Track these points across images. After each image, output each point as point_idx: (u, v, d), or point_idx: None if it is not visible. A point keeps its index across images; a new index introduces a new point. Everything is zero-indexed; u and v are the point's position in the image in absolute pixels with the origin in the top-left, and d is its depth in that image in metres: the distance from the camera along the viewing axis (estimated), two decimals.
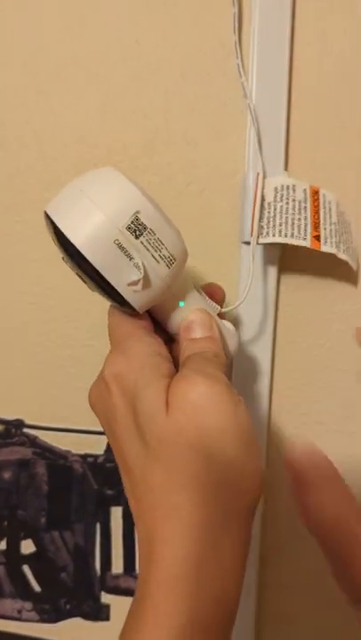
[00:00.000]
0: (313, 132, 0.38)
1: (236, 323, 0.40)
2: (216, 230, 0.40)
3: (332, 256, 0.37)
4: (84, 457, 0.43)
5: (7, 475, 0.44)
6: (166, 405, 0.25)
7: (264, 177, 0.37)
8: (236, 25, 0.37)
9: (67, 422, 0.43)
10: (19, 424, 0.43)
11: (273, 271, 0.39)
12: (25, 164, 0.40)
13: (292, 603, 0.45)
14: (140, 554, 0.25)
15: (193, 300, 0.30)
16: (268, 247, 0.38)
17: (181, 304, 0.30)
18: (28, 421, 0.43)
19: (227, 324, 0.33)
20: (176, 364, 0.29)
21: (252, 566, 0.42)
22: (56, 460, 0.43)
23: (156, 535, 0.24)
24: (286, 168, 0.38)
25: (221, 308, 0.33)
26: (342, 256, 0.37)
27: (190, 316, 0.30)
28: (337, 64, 0.38)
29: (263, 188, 0.37)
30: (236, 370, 0.40)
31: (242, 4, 0.37)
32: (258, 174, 0.37)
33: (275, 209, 0.37)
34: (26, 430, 0.43)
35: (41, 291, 0.42)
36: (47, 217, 0.27)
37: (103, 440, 0.43)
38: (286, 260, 0.40)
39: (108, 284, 0.26)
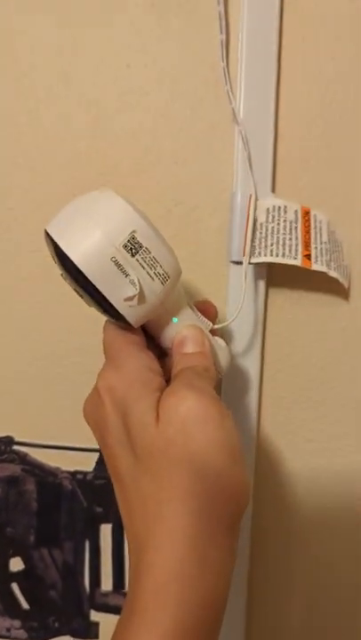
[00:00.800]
0: (300, 154, 0.39)
1: (225, 339, 0.40)
2: (205, 249, 0.40)
3: (320, 274, 0.37)
4: (74, 474, 0.43)
5: None
6: (157, 418, 0.25)
7: (256, 198, 0.38)
8: (224, 51, 0.38)
9: (56, 439, 0.43)
10: (8, 441, 0.43)
11: (261, 288, 0.40)
12: (16, 184, 0.41)
13: (280, 615, 0.45)
14: (130, 562, 0.26)
15: (186, 317, 0.31)
16: (256, 265, 0.39)
17: (175, 320, 0.31)
18: (17, 438, 0.43)
19: (219, 341, 0.34)
20: (168, 378, 0.30)
21: (240, 579, 0.42)
22: (45, 477, 0.43)
23: (145, 544, 0.25)
24: (274, 190, 0.39)
25: (214, 324, 0.34)
26: (333, 274, 0.37)
27: (183, 331, 0.31)
28: (323, 88, 0.39)
29: (255, 210, 0.38)
30: (225, 386, 0.40)
31: (229, 30, 0.38)
32: (250, 196, 0.38)
33: (266, 229, 0.37)
34: (15, 447, 0.43)
35: (30, 309, 0.42)
36: (47, 235, 0.28)
37: (93, 457, 0.43)
38: (274, 277, 0.40)
39: (105, 299, 0.27)
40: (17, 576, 0.45)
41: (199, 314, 0.33)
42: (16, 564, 0.45)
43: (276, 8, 0.37)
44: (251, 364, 0.40)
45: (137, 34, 0.39)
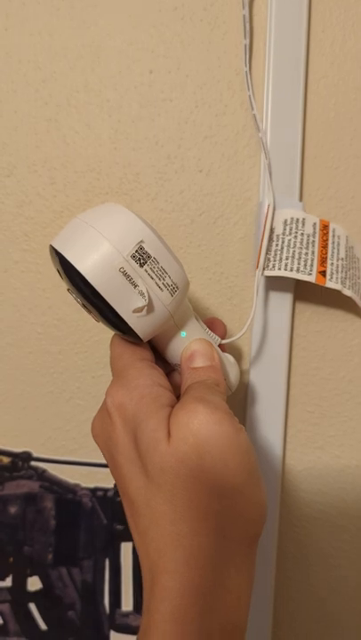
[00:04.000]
0: (328, 163, 0.38)
1: (247, 353, 0.39)
2: (230, 258, 0.39)
3: None
4: (94, 491, 0.42)
5: (13, 509, 0.43)
6: (168, 434, 0.24)
7: (274, 209, 0.37)
8: (248, 57, 0.36)
9: (76, 455, 0.42)
10: (26, 457, 0.42)
11: (287, 301, 0.38)
12: (35, 192, 0.40)
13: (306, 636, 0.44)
14: (144, 585, 0.25)
15: (194, 331, 0.31)
16: (279, 277, 0.38)
17: (183, 334, 0.30)
18: (35, 454, 0.42)
19: (228, 356, 0.33)
20: (177, 395, 0.29)
21: (266, 600, 0.41)
22: (64, 494, 0.42)
23: (159, 566, 0.24)
24: (301, 199, 0.38)
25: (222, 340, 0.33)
26: (347, 292, 0.36)
27: (192, 345, 0.30)
28: (353, 95, 0.38)
29: (273, 220, 0.36)
30: (251, 401, 0.39)
31: (254, 34, 0.37)
32: (268, 206, 0.36)
33: (283, 242, 0.36)
34: (33, 463, 0.42)
35: (50, 321, 0.41)
36: (53, 250, 0.27)
37: None
38: (301, 289, 0.39)
39: (113, 311, 0.26)
40: (35, 596, 0.44)
41: (207, 328, 0.32)
42: (34, 584, 0.44)
43: (305, 12, 0.36)
44: (277, 378, 0.39)
45: (160, 38, 0.38)
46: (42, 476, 0.42)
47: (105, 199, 0.39)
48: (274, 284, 0.38)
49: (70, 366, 0.41)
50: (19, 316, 0.41)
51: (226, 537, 0.24)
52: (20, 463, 0.42)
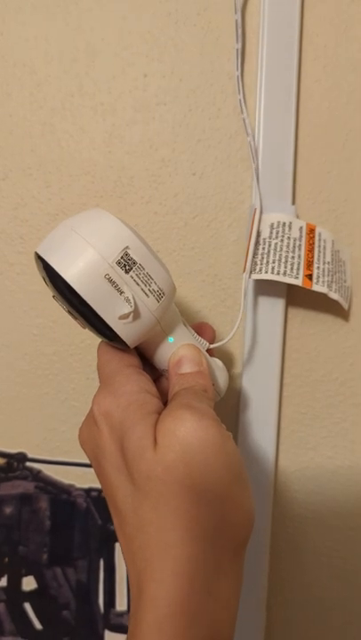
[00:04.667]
0: (320, 166, 0.38)
1: (239, 355, 0.39)
2: (224, 261, 0.40)
3: None
4: (88, 491, 0.42)
5: (8, 510, 0.43)
6: (154, 442, 0.24)
7: (261, 212, 0.37)
8: (240, 61, 0.37)
9: (70, 456, 0.42)
10: (21, 457, 0.42)
11: (279, 304, 0.39)
12: (30, 195, 0.40)
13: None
14: (131, 593, 0.25)
15: (182, 336, 0.31)
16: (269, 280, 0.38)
17: (170, 340, 0.30)
18: (30, 455, 0.43)
19: (216, 361, 0.33)
20: (164, 401, 0.28)
21: (260, 600, 0.41)
22: (59, 495, 0.43)
23: (146, 574, 0.23)
24: (294, 202, 0.38)
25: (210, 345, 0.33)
26: (333, 295, 0.36)
27: (180, 351, 0.30)
28: (345, 99, 0.38)
29: (260, 224, 0.37)
30: (244, 404, 0.39)
31: (245, 40, 0.37)
32: (255, 210, 0.37)
33: (269, 245, 0.36)
34: (28, 464, 0.42)
35: (45, 323, 0.41)
36: (38, 257, 0.27)
37: None
38: (293, 292, 0.39)
39: (99, 318, 0.26)
40: (30, 596, 0.44)
41: (195, 333, 0.32)
42: (29, 584, 0.44)
43: (297, 16, 0.37)
44: (270, 381, 0.39)
45: (154, 43, 0.38)
46: (37, 476, 0.43)
47: (99, 202, 0.39)
48: (266, 287, 0.38)
49: (65, 368, 0.42)
50: (14, 318, 0.41)
51: (214, 544, 0.24)
52: (16, 464, 0.43)
